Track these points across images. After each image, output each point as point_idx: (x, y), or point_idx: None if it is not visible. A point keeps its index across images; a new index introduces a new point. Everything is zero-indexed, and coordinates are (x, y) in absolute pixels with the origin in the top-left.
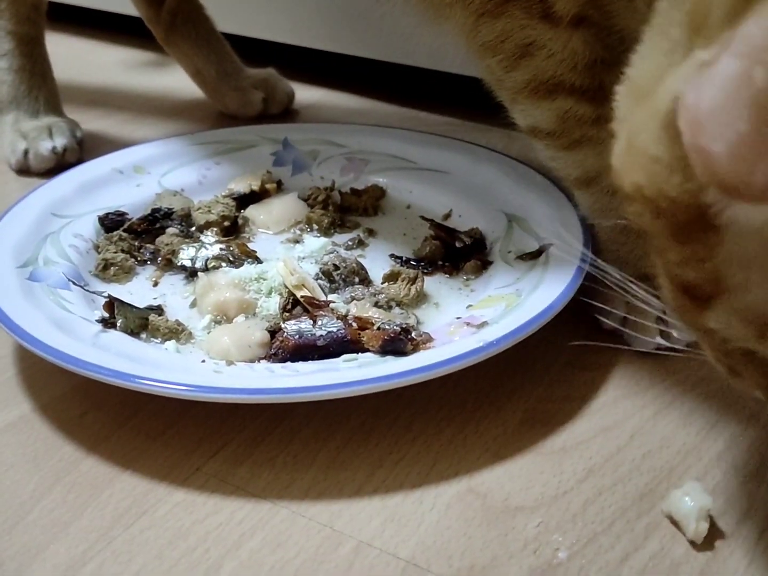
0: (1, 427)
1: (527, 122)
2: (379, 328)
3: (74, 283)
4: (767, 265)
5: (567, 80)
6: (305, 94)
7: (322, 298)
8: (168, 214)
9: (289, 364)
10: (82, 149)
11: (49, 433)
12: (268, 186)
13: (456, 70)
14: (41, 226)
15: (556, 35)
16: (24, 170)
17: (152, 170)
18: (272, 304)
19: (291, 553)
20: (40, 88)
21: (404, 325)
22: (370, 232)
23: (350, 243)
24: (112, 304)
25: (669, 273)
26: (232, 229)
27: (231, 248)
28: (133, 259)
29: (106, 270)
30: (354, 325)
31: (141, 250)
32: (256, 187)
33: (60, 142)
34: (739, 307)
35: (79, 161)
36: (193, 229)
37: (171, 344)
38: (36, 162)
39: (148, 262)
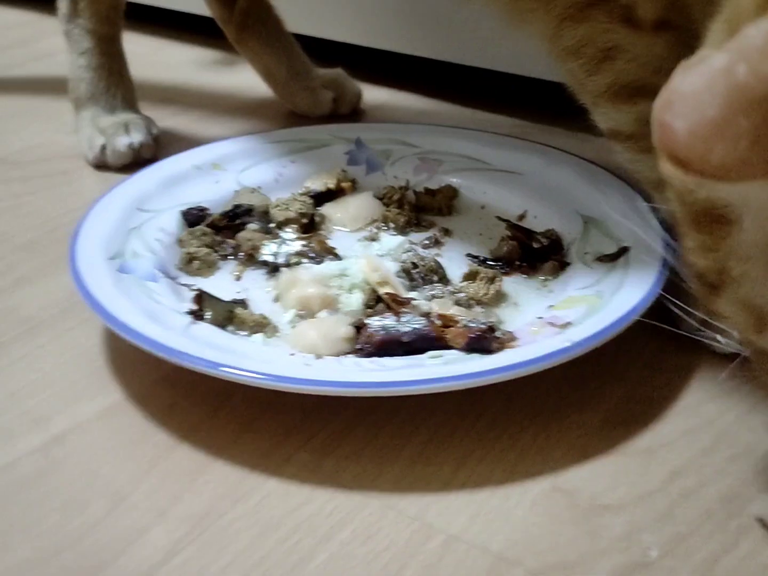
0: (94, 414)
1: (608, 125)
2: (464, 326)
3: (166, 276)
4: (761, 261)
5: (649, 84)
6: (371, 94)
7: (404, 295)
8: (248, 211)
9: (375, 359)
10: (157, 145)
11: (141, 421)
12: (343, 184)
13: (525, 73)
14: (127, 220)
15: (638, 39)
16: (101, 165)
17: (230, 167)
18: (354, 301)
19: (381, 545)
20: (118, 86)
21: (490, 323)
22: (446, 232)
23: (427, 242)
24: (201, 296)
25: (687, 260)
26: (309, 226)
27: (311, 245)
28: (216, 254)
29: (190, 264)
30: (438, 322)
31: (222, 245)
32: (332, 185)
33: (137, 138)
34: (738, 299)
35: (154, 157)
36: (272, 225)
37: (258, 337)
38: (113, 157)
39: (230, 257)
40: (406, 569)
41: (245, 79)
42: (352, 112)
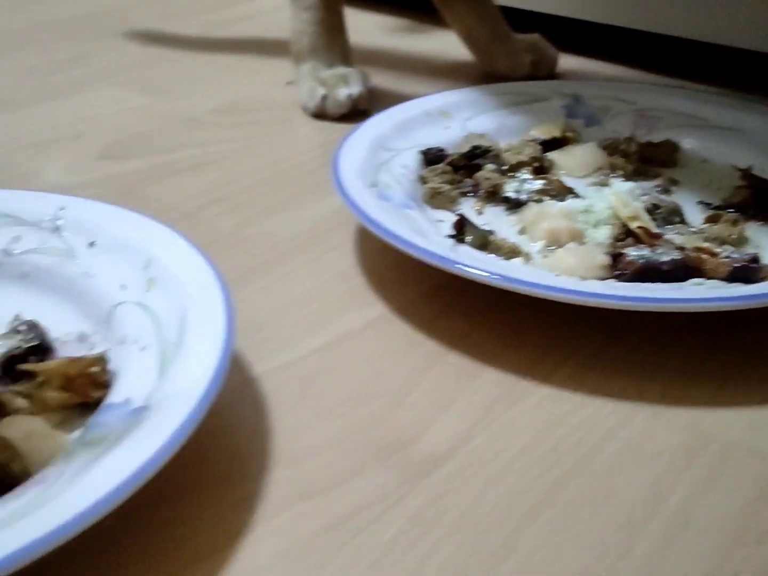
0: (362, 324)
1: None
2: (726, 257)
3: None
4: None
5: None
6: (565, 61)
7: (655, 230)
8: (485, 152)
9: (636, 284)
10: (371, 98)
11: (407, 331)
12: (568, 134)
13: (724, 42)
14: (374, 156)
15: None
16: (319, 114)
17: (456, 115)
18: (600, 235)
19: (660, 447)
20: (336, 41)
21: (753, 254)
22: (672, 181)
23: (657, 189)
24: (462, 221)
25: None
26: (539, 170)
27: (552, 183)
28: (456, 190)
29: (433, 198)
30: (694, 254)
31: (461, 183)
32: (557, 134)
33: (355, 89)
34: None
35: (368, 109)
36: (504, 168)
37: (518, 261)
38: (333, 107)
39: (469, 194)
40: (689, 470)
41: (435, 44)
42: (548, 77)
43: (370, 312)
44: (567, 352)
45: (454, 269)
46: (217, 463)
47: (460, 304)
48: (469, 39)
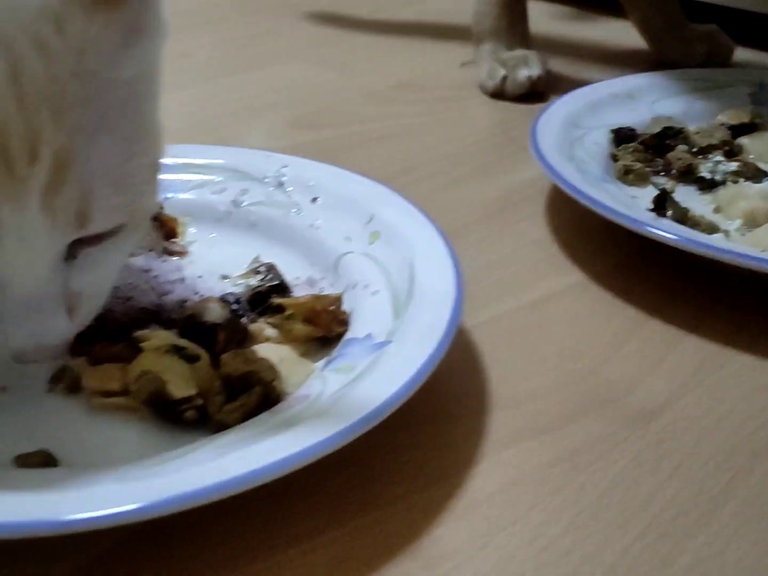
0: (562, 288)
1: None
2: None
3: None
4: None
5: None
6: (738, 52)
7: None
8: (677, 133)
9: None
10: (547, 80)
11: (607, 297)
12: (757, 120)
13: None
14: (567, 132)
15: None
16: (498, 94)
17: (642, 98)
18: None
19: None
20: (518, 24)
21: None
22: None
23: None
24: (663, 195)
25: None
26: (730, 154)
27: (747, 166)
28: (647, 169)
29: (626, 175)
30: None
31: (652, 162)
32: (746, 119)
33: (535, 71)
34: None
35: (545, 90)
36: (694, 150)
37: (718, 236)
38: (512, 87)
39: (661, 174)
40: None
41: (602, 31)
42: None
43: (568, 278)
44: (766, 326)
45: (667, 238)
46: (441, 401)
47: (654, 275)
48: (644, 26)
